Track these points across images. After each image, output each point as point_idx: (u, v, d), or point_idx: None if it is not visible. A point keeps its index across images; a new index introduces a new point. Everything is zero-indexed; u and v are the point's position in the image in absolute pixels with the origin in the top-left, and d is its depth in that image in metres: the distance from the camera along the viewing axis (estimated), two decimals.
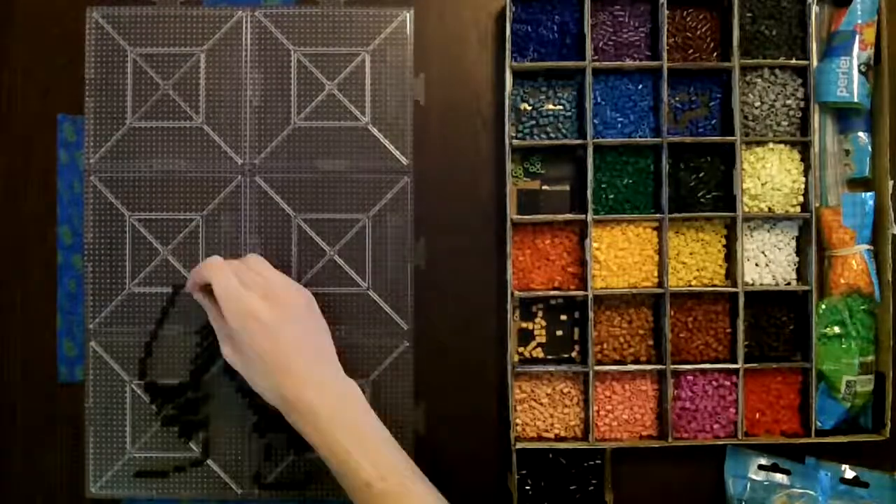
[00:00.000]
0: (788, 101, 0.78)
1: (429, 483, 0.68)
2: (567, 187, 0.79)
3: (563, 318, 0.79)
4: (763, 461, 0.78)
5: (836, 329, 0.77)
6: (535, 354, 0.79)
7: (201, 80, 0.79)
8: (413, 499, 0.66)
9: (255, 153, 0.78)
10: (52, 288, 0.79)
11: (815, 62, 0.78)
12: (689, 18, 0.79)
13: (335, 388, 0.70)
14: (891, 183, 0.77)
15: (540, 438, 0.78)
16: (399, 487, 0.66)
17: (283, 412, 0.69)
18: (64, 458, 0.79)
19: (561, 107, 0.79)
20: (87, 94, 0.78)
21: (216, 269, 0.70)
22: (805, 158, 0.78)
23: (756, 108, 0.78)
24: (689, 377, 0.78)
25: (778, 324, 0.79)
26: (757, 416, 0.78)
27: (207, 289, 0.71)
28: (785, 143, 0.78)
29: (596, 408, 0.78)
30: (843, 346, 0.77)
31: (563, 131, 0.79)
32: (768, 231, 0.79)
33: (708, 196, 0.78)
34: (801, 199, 0.78)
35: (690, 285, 0.78)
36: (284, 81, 0.79)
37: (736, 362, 0.77)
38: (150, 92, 0.79)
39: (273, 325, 0.68)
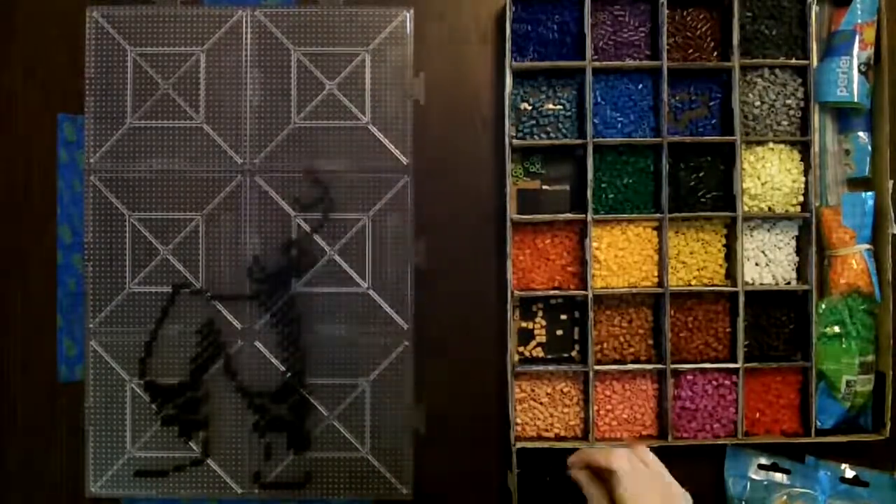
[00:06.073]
0: (788, 101, 0.78)
1: None
2: (567, 187, 0.79)
3: (563, 317, 0.79)
4: (763, 461, 0.78)
5: (836, 329, 0.77)
6: (535, 354, 0.79)
7: (201, 80, 0.79)
8: None
9: (255, 153, 0.78)
10: (52, 288, 0.79)
11: (815, 62, 0.78)
12: (689, 18, 0.79)
13: None
14: (891, 183, 0.77)
15: (540, 438, 0.78)
16: None
17: None
18: (64, 458, 0.79)
19: (561, 106, 0.78)
20: (87, 93, 0.78)
21: (620, 456, 0.67)
22: (805, 158, 0.78)
23: (756, 107, 0.78)
24: (689, 377, 0.78)
25: (778, 323, 0.79)
26: (757, 415, 0.78)
27: (592, 473, 0.69)
28: (785, 142, 0.78)
29: (596, 407, 0.78)
30: (843, 345, 0.77)
31: (563, 131, 0.78)
32: (768, 231, 0.79)
33: (708, 196, 0.78)
34: (801, 198, 0.78)
35: (690, 285, 0.78)
36: (284, 81, 0.79)
37: (736, 362, 0.77)
38: (150, 92, 0.79)
39: None
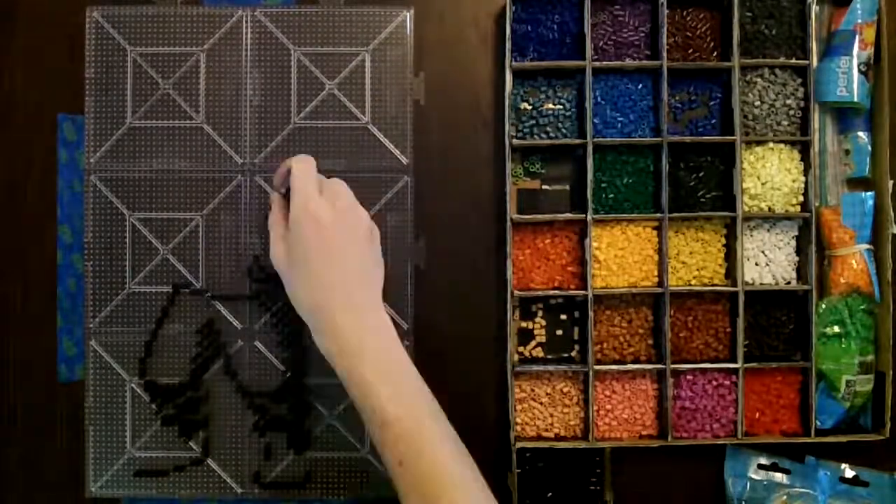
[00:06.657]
0: (788, 101, 0.78)
1: (447, 425, 0.66)
2: (567, 187, 0.79)
3: (563, 317, 0.79)
4: (763, 461, 0.78)
5: (836, 329, 0.77)
6: (535, 354, 0.79)
7: (201, 80, 0.79)
8: (425, 439, 0.64)
9: (255, 153, 0.78)
10: (52, 288, 0.79)
11: (815, 62, 0.78)
12: (689, 18, 0.79)
13: (371, 319, 0.68)
14: (891, 183, 0.77)
15: (540, 438, 0.78)
16: (413, 425, 0.63)
17: (313, 330, 0.67)
18: (64, 458, 0.79)
19: (561, 106, 0.79)
20: (87, 93, 0.78)
21: (303, 164, 0.69)
22: (805, 158, 0.78)
23: (756, 107, 0.78)
24: (689, 377, 0.78)
25: (778, 323, 0.79)
26: (757, 415, 0.78)
27: (285, 190, 0.72)
28: (785, 142, 0.78)
29: (596, 407, 0.78)
30: (843, 345, 0.77)
31: (563, 131, 0.79)
32: (768, 231, 0.79)
33: (708, 196, 0.78)
34: (800, 198, 0.78)
35: (690, 285, 0.78)
36: (284, 81, 0.79)
37: (736, 362, 0.77)
38: (150, 92, 0.79)
39: (330, 234, 0.67)
